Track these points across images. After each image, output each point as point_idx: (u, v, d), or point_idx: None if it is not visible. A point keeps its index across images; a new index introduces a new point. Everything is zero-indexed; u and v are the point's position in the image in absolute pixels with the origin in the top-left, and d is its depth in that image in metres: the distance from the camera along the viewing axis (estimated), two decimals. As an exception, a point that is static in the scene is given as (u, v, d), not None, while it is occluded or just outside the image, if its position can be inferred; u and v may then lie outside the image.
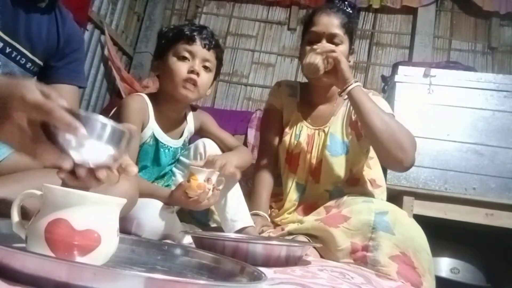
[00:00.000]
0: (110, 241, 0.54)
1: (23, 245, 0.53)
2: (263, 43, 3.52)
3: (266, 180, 1.46)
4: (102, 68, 3.01)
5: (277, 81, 1.69)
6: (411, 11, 3.30)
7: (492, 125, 2.13)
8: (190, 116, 1.40)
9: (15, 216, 0.56)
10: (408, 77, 2.26)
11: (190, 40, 1.22)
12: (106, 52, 2.98)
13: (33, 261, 0.45)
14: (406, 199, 2.04)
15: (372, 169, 1.50)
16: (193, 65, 1.21)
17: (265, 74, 3.45)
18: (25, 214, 0.56)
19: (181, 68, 1.21)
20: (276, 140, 1.52)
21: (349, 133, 1.43)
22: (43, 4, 1.00)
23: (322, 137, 1.44)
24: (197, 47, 1.22)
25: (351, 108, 1.39)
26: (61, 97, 0.55)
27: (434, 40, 3.22)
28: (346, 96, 1.39)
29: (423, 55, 3.12)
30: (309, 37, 1.39)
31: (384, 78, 2.78)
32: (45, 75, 1.04)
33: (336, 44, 1.35)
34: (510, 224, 1.99)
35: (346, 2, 1.44)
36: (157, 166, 1.30)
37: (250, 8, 3.60)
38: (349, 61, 1.41)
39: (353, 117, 1.41)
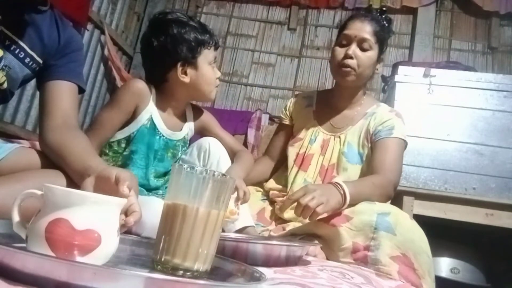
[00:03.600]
0: (110, 241, 0.54)
1: (23, 245, 0.53)
2: (263, 43, 3.52)
3: (257, 175, 1.56)
4: (102, 68, 3.01)
5: (296, 94, 1.82)
6: (411, 11, 3.30)
7: (492, 125, 2.14)
8: (190, 113, 1.41)
9: (15, 216, 0.56)
10: (408, 77, 2.26)
11: (215, 47, 1.32)
12: (106, 52, 2.98)
13: (34, 260, 0.45)
14: (406, 199, 2.04)
15: None
16: (216, 71, 1.35)
17: (265, 74, 3.45)
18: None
19: (213, 76, 1.34)
20: (281, 146, 1.63)
21: (365, 145, 1.45)
22: (43, 8, 1.02)
23: (337, 142, 1.48)
24: (217, 52, 1.35)
25: (370, 122, 1.46)
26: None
27: (434, 40, 3.22)
28: (367, 109, 1.50)
29: (423, 55, 3.12)
30: (341, 39, 1.45)
31: (384, 78, 2.78)
32: (45, 73, 1.05)
33: (365, 49, 1.41)
34: (510, 224, 1.99)
35: (384, 16, 1.49)
36: (149, 149, 1.30)
37: (250, 8, 3.60)
38: (377, 69, 1.49)
39: (371, 131, 1.44)
